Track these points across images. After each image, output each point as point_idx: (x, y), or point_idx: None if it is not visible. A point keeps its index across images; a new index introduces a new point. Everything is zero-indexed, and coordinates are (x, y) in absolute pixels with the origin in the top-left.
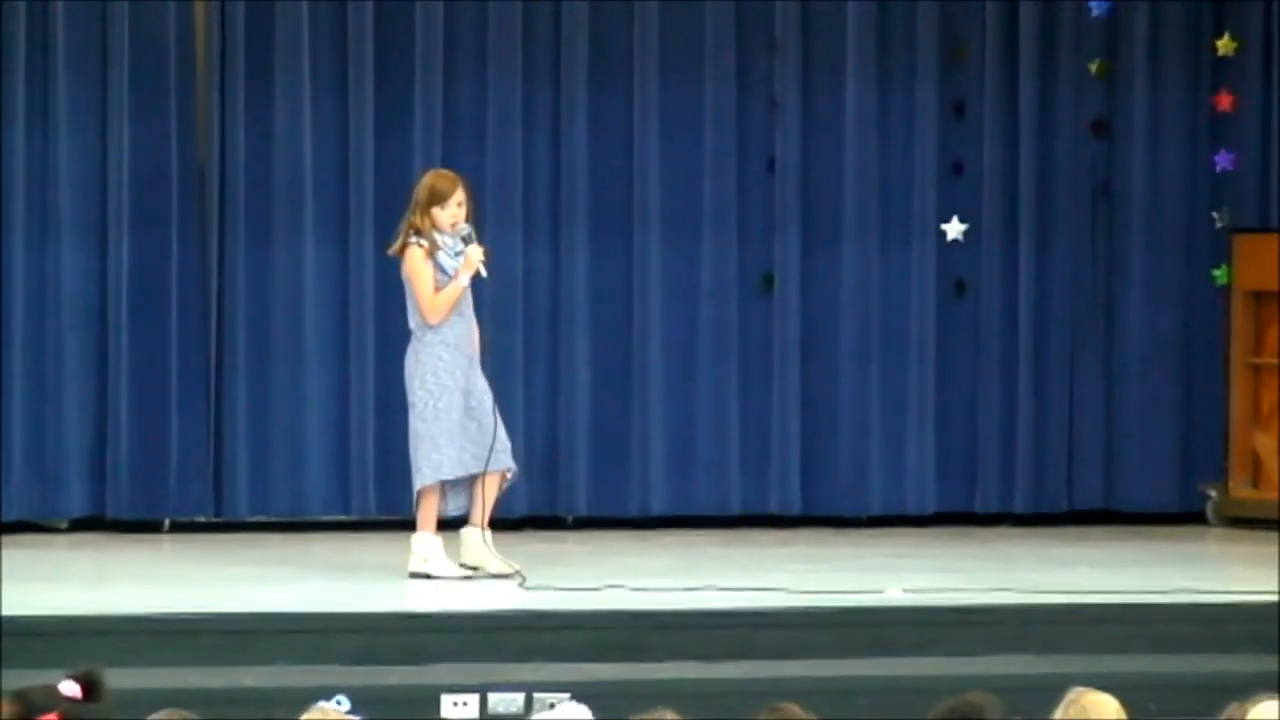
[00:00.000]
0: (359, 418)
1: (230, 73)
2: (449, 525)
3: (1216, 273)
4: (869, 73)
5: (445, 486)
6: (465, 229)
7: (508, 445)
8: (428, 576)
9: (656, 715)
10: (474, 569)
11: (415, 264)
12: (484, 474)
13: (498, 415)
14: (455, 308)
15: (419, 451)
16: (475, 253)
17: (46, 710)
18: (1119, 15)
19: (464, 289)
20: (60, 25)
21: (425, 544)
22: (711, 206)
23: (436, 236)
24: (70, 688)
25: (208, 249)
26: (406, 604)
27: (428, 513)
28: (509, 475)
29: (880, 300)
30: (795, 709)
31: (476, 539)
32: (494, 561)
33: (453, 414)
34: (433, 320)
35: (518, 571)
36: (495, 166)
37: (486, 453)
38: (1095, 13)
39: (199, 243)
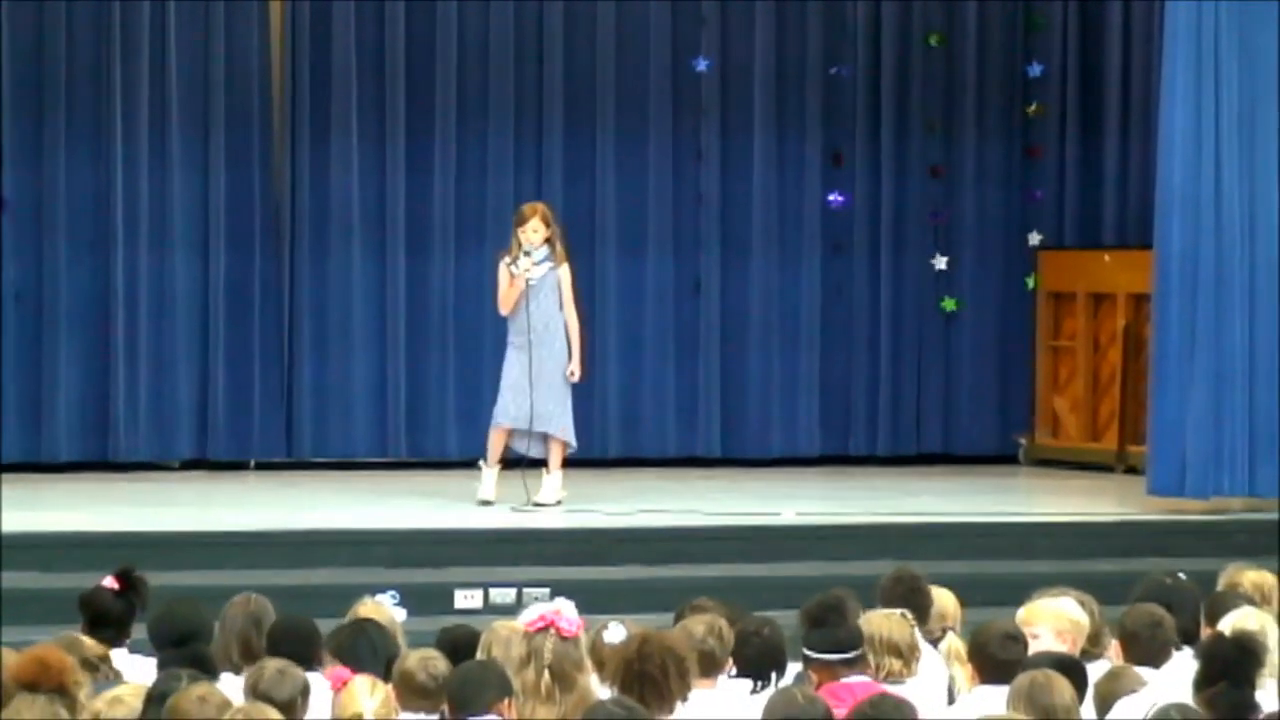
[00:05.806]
0: (394, 385)
1: (299, 131)
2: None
3: (1027, 279)
4: (770, 130)
5: (512, 430)
6: (530, 246)
7: (543, 413)
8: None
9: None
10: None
11: (497, 269)
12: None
13: (525, 384)
14: (518, 304)
15: None
16: (518, 266)
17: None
18: (953, 87)
19: (519, 290)
20: (174, 92)
21: (482, 471)
22: (654, 230)
23: (519, 250)
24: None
25: (282, 261)
26: (428, 522)
27: (489, 447)
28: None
29: (779, 299)
30: (708, 601)
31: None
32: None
33: (507, 378)
34: (501, 312)
35: (530, 501)
36: (493, 202)
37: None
38: None
39: (275, 257)
